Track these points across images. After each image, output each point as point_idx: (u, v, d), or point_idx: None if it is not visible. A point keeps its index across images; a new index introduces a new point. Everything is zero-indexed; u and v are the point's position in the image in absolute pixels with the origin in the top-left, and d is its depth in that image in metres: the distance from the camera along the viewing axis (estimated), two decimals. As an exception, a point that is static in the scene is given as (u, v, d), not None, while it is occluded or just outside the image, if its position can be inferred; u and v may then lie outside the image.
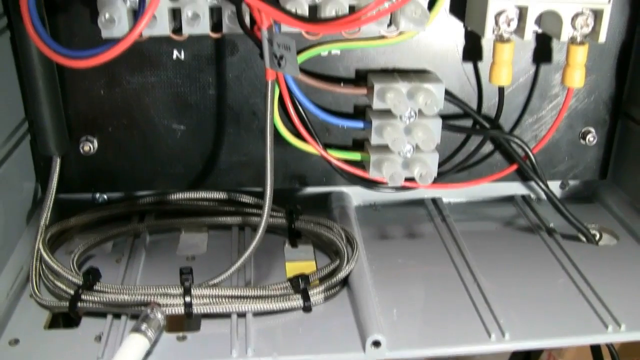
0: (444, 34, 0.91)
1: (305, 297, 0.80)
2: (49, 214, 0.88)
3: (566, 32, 0.83)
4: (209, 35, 0.80)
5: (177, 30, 0.80)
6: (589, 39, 0.84)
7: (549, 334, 0.77)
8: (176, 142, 0.93)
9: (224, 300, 0.78)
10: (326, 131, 0.94)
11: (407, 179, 0.89)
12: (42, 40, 0.72)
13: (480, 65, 0.93)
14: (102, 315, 0.78)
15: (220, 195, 0.97)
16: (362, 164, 0.93)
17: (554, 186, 1.04)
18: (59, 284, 0.80)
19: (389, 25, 0.83)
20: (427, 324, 0.79)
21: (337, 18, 0.74)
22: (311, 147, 0.91)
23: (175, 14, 0.80)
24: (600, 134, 0.99)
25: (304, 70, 0.88)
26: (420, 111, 0.86)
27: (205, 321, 0.78)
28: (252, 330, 0.76)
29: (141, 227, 0.94)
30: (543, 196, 1.02)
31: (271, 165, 0.79)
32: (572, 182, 1.06)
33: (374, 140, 0.88)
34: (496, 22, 0.82)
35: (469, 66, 0.93)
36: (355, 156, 0.94)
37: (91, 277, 0.79)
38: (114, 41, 0.71)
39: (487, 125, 0.95)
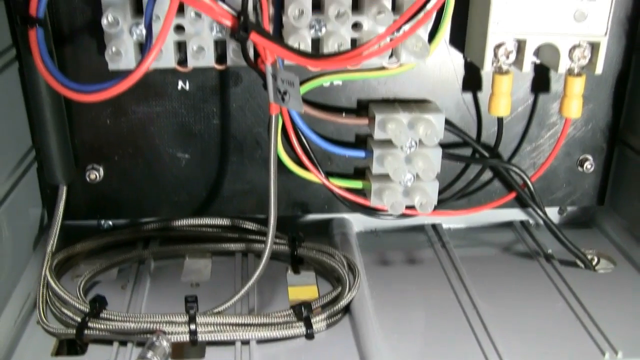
0: (444, 64, 0.93)
1: (308, 325, 0.81)
2: (55, 240, 0.89)
3: (564, 64, 0.84)
4: (214, 67, 0.81)
5: (182, 61, 0.81)
6: (586, 70, 0.85)
7: (546, 361, 0.79)
8: (181, 170, 0.95)
9: (228, 327, 0.80)
10: (328, 160, 0.95)
11: (408, 207, 0.91)
12: (50, 74, 0.74)
13: (479, 95, 0.94)
14: (108, 342, 0.79)
15: (224, 221, 0.98)
16: (363, 192, 0.94)
17: (552, 212, 1.06)
18: (65, 311, 0.82)
19: (390, 56, 0.84)
20: (426, 349, 0.80)
21: (339, 53, 0.76)
22: (313, 176, 0.92)
23: (181, 46, 0.81)
24: (598, 161, 1.00)
25: (306, 101, 0.90)
26: (420, 141, 0.87)
27: (209, 348, 0.79)
28: (256, 358, 0.78)
29: (146, 254, 0.95)
30: (541, 222, 1.03)
31: (275, 196, 0.80)
32: (570, 208, 1.07)
33: (375, 169, 0.89)
34: (495, 55, 0.83)
35: (469, 96, 0.94)
36: (357, 184, 0.95)
37: (98, 305, 0.80)
38: (121, 76, 0.72)
39: (486, 154, 0.96)
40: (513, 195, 0.99)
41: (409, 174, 0.88)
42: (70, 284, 0.88)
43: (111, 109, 0.90)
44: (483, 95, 0.94)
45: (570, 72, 0.85)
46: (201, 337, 0.78)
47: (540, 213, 0.97)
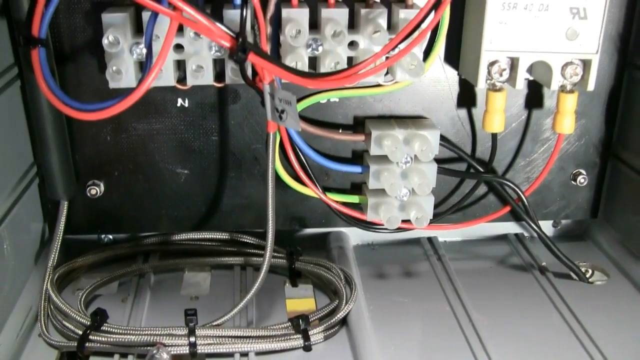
0: (439, 82, 0.94)
1: (306, 337, 0.82)
2: (56, 255, 0.90)
3: (556, 81, 0.86)
4: (213, 85, 0.83)
5: (182, 79, 0.83)
6: (579, 86, 0.86)
7: (540, 374, 0.80)
8: (180, 186, 0.96)
9: (227, 340, 0.81)
10: (325, 175, 0.97)
11: (404, 221, 0.92)
12: (52, 93, 0.75)
13: (474, 111, 0.96)
14: (109, 355, 0.80)
15: (223, 236, 0.99)
16: (360, 207, 0.96)
17: (547, 225, 1.07)
18: (67, 324, 0.83)
19: (386, 74, 0.86)
20: (422, 362, 0.82)
21: (336, 72, 0.77)
22: (311, 191, 0.93)
23: (180, 65, 0.83)
24: (591, 175, 1.01)
25: (303, 118, 0.91)
26: (416, 157, 0.88)
27: (209, 361, 0.81)
28: (255, 370, 0.79)
29: (146, 267, 0.97)
30: (536, 235, 1.04)
31: (273, 210, 0.81)
32: (564, 222, 1.08)
33: (372, 184, 0.90)
34: (489, 72, 0.85)
35: (463, 112, 0.96)
36: (354, 199, 0.96)
37: (99, 318, 0.81)
38: (122, 95, 0.73)
39: (480, 169, 0.97)
40: (507, 209, 1.00)
41: (404, 189, 0.89)
42: (71, 297, 0.89)
43: (112, 125, 0.92)
44: (477, 112, 0.96)
45: (562, 89, 0.87)
46: (200, 350, 0.79)
47: (535, 227, 0.98)
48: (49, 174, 0.90)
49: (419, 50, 0.84)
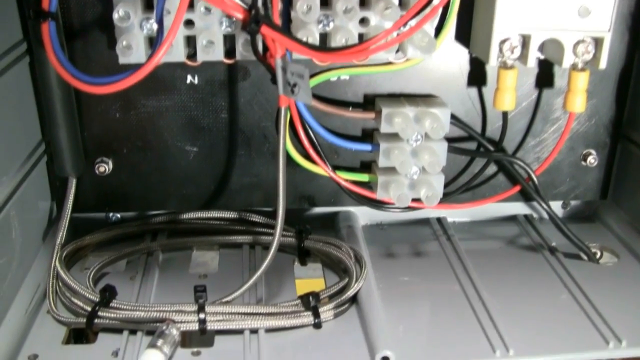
0: (450, 60, 0.94)
1: (316, 314, 0.82)
2: (64, 232, 0.90)
3: (568, 59, 0.85)
4: (223, 61, 0.82)
5: (192, 55, 0.82)
6: (590, 65, 0.86)
7: (552, 350, 0.79)
8: (189, 164, 0.95)
9: (237, 317, 0.80)
10: (335, 153, 0.96)
11: (414, 200, 0.92)
12: (63, 67, 0.75)
13: (484, 90, 0.95)
14: (118, 331, 0.80)
15: (232, 214, 0.99)
16: (369, 185, 0.95)
17: (556, 206, 1.07)
18: (75, 300, 0.82)
19: (397, 52, 0.85)
20: (433, 340, 0.81)
21: (347, 47, 0.77)
22: (320, 169, 0.93)
23: (190, 41, 0.82)
24: (601, 156, 1.01)
25: (314, 95, 0.90)
26: (426, 135, 0.88)
27: (218, 337, 0.80)
28: (264, 346, 0.78)
29: (154, 246, 0.96)
30: (545, 215, 1.03)
31: (283, 187, 0.81)
32: (573, 203, 1.08)
33: (382, 162, 0.90)
34: (500, 50, 0.84)
35: (474, 91, 0.95)
36: (363, 177, 0.96)
37: (108, 295, 0.81)
38: (132, 68, 0.73)
39: (491, 148, 0.97)
40: (517, 188, 1.00)
41: (415, 167, 0.89)
42: (79, 275, 0.89)
43: (121, 102, 0.91)
44: (488, 90, 0.95)
45: (574, 67, 0.86)
46: (210, 326, 0.79)
47: (545, 206, 0.98)
48: (58, 151, 0.89)
49: (430, 27, 0.84)
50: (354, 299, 0.87)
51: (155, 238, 0.99)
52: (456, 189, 0.99)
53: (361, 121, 0.95)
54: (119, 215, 1.01)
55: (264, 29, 0.71)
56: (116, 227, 0.99)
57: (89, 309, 0.80)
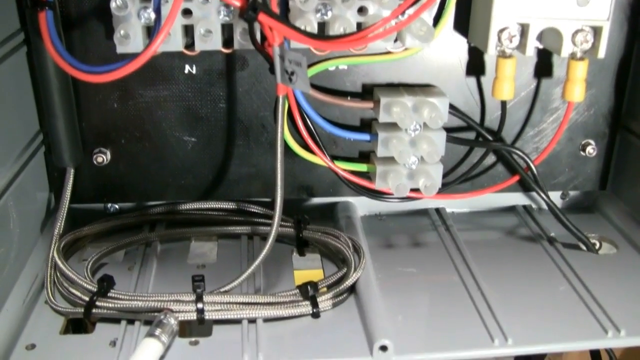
0: (448, 49, 0.93)
1: (314, 304, 0.82)
2: (62, 223, 0.90)
3: (566, 48, 0.85)
4: (221, 50, 0.82)
5: (190, 45, 0.82)
6: (589, 54, 0.86)
7: (550, 339, 0.79)
8: (187, 154, 0.95)
9: (235, 306, 0.80)
10: (333, 143, 0.96)
11: (412, 190, 0.91)
12: (60, 56, 0.74)
13: (483, 79, 0.95)
14: (116, 321, 0.80)
15: (230, 205, 0.99)
16: (368, 175, 0.95)
17: (555, 197, 1.06)
18: (73, 290, 0.82)
19: (395, 41, 0.85)
20: (432, 330, 0.81)
21: (345, 35, 0.77)
22: (319, 159, 0.93)
23: (188, 30, 0.82)
24: (600, 146, 1.01)
25: (312, 85, 0.90)
26: (425, 124, 0.88)
27: (216, 327, 0.80)
28: (263, 336, 0.78)
29: (152, 236, 0.96)
30: (544, 206, 1.03)
31: (281, 177, 0.81)
32: (572, 193, 1.07)
33: (380, 152, 0.90)
34: (499, 39, 0.84)
35: (472, 81, 0.95)
36: (362, 167, 0.96)
37: (105, 284, 0.81)
38: (130, 57, 0.73)
39: (489, 137, 0.96)
40: (516, 178, 1.00)
41: (413, 156, 0.88)
42: (77, 266, 0.88)
43: (118, 92, 0.91)
44: (486, 80, 0.95)
45: (572, 56, 0.86)
46: (208, 316, 0.79)
47: (544, 196, 0.98)
48: (56, 141, 0.89)
49: (428, 16, 0.83)
50: (352, 289, 0.86)
51: (154, 229, 0.99)
52: (455, 179, 0.99)
53: (359, 111, 0.95)
54: (117, 206, 1.01)
55: (262, 16, 0.71)
56: (114, 218, 0.98)
57: (87, 299, 0.80)
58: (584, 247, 0.97)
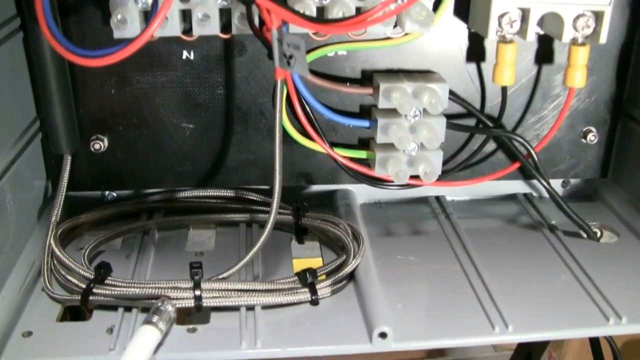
0: (448, 35, 0.93)
1: (313, 291, 0.81)
2: (59, 211, 0.89)
3: (568, 34, 0.84)
4: (219, 35, 0.81)
5: (187, 30, 0.81)
6: (590, 40, 0.85)
7: (551, 327, 0.79)
8: (185, 141, 0.95)
9: (233, 293, 0.80)
10: (332, 130, 0.96)
11: (412, 177, 0.91)
12: (56, 40, 0.74)
13: (483, 65, 0.95)
14: (113, 308, 0.80)
15: (228, 193, 0.98)
16: (367, 162, 0.95)
17: (555, 185, 1.06)
18: (70, 278, 0.82)
19: (395, 26, 0.84)
20: (432, 317, 0.81)
21: (344, 19, 0.76)
22: (318, 146, 0.92)
23: (186, 15, 0.81)
24: (601, 133, 1.00)
25: (310, 71, 0.89)
26: (425, 110, 0.87)
27: (214, 314, 0.80)
28: (261, 323, 0.78)
29: (150, 224, 0.96)
30: (544, 194, 1.03)
31: (280, 163, 0.80)
32: (573, 181, 1.07)
33: (380, 138, 0.90)
34: (499, 24, 0.83)
35: (473, 67, 0.95)
36: (361, 154, 0.95)
37: (102, 271, 0.80)
38: (126, 41, 0.72)
39: (490, 124, 0.96)
40: (517, 165, 0.99)
41: (413, 143, 0.88)
42: (75, 254, 0.88)
43: (116, 79, 0.91)
44: (487, 66, 0.95)
45: (574, 41, 0.85)
46: (206, 303, 0.78)
47: (544, 183, 0.97)
48: (52, 128, 0.88)
49: (428, 1, 0.83)
50: (351, 276, 0.86)
51: (151, 217, 0.98)
52: (455, 167, 0.99)
53: (359, 97, 0.94)
54: (114, 194, 1.01)
55: (260, -1, 0.71)
56: (112, 205, 0.98)
57: (84, 286, 0.80)
58: (584, 235, 0.96)
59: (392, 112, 0.88)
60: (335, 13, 0.79)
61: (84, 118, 0.92)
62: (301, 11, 0.77)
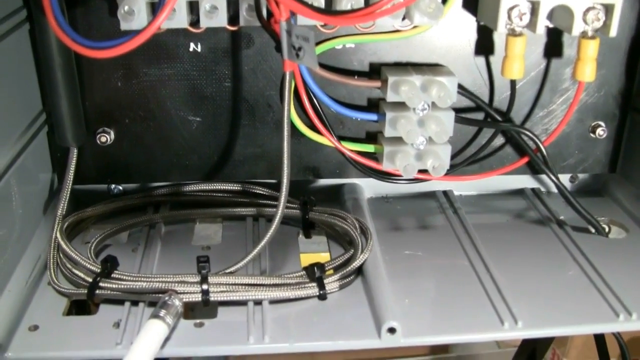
0: (457, 28, 0.92)
1: (321, 286, 0.81)
2: (65, 204, 0.89)
3: (577, 27, 0.83)
4: (226, 27, 0.81)
5: (195, 22, 0.81)
6: (600, 33, 0.84)
7: (561, 322, 0.78)
8: (192, 134, 0.94)
9: (240, 288, 0.79)
10: (340, 124, 0.95)
11: (420, 171, 0.91)
12: (63, 31, 0.73)
13: (492, 59, 0.94)
14: (120, 302, 0.79)
15: (235, 186, 0.98)
16: (375, 156, 0.94)
17: (564, 180, 1.05)
18: (77, 272, 0.81)
19: (403, 19, 0.84)
20: (440, 312, 0.80)
21: (352, 11, 0.75)
22: (325, 139, 0.92)
23: (193, 7, 0.80)
24: (610, 128, 1.00)
25: (318, 64, 0.89)
26: (433, 104, 0.87)
27: (222, 308, 0.79)
28: (269, 318, 0.77)
29: (156, 218, 0.95)
30: (553, 189, 1.03)
31: (288, 156, 0.80)
32: (581, 176, 1.06)
33: (388, 132, 0.89)
34: (509, 17, 0.83)
35: (481, 60, 0.94)
36: (369, 148, 0.95)
37: (109, 265, 0.80)
38: (133, 33, 0.71)
39: (498, 118, 0.95)
40: (525, 160, 0.98)
41: (421, 136, 0.88)
42: (81, 247, 0.87)
43: (122, 71, 0.90)
44: (495, 60, 0.94)
45: (584, 35, 0.84)
46: (214, 297, 0.78)
47: (553, 178, 0.97)
48: (59, 120, 0.88)
49: (437, -7, 0.82)
50: (359, 271, 0.86)
51: (158, 210, 0.98)
52: (463, 161, 0.98)
53: (367, 90, 0.94)
54: (120, 187, 1.00)
55: (268, -11, 0.70)
56: (118, 199, 0.98)
57: (90, 280, 0.79)
58: (593, 231, 0.96)
59: (401, 106, 0.87)
60: (344, 5, 0.78)
61: (90, 110, 0.92)
62: (310, 2, 0.76)
